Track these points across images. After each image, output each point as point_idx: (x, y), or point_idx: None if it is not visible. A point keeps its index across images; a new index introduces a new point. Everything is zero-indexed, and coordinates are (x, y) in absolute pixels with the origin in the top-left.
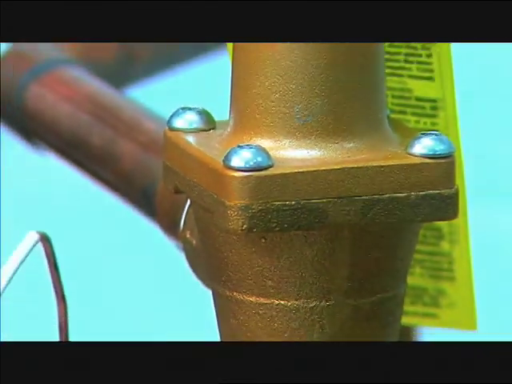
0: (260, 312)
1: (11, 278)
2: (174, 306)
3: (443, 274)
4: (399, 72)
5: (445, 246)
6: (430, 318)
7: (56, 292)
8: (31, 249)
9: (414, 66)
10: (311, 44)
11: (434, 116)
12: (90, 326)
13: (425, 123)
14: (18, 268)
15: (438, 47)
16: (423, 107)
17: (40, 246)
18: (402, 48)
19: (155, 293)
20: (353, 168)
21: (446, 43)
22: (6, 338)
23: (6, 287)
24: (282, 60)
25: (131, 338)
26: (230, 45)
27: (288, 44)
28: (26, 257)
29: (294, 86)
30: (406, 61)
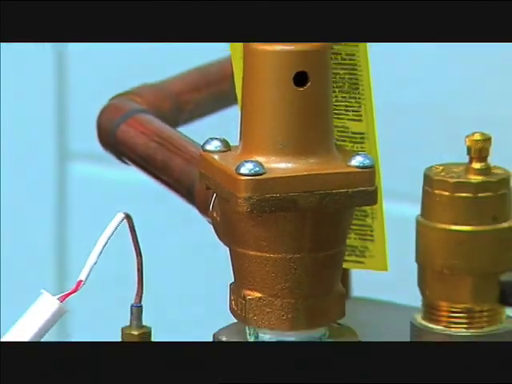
0: (258, 261)
1: (107, 243)
2: (203, 261)
3: (367, 237)
4: (341, 116)
5: (368, 220)
6: (359, 264)
7: (135, 250)
8: (120, 223)
9: (350, 113)
10: (288, 100)
11: (362, 143)
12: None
13: (357, 147)
14: (111, 236)
15: (365, 106)
16: (356, 138)
17: (125, 222)
18: (342, 102)
19: (191, 250)
20: (314, 174)
21: (370, 102)
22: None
23: (102, 251)
24: (270, 109)
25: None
26: (239, 98)
27: (277, 101)
28: (117, 228)
29: (277, 124)
30: (345, 110)
